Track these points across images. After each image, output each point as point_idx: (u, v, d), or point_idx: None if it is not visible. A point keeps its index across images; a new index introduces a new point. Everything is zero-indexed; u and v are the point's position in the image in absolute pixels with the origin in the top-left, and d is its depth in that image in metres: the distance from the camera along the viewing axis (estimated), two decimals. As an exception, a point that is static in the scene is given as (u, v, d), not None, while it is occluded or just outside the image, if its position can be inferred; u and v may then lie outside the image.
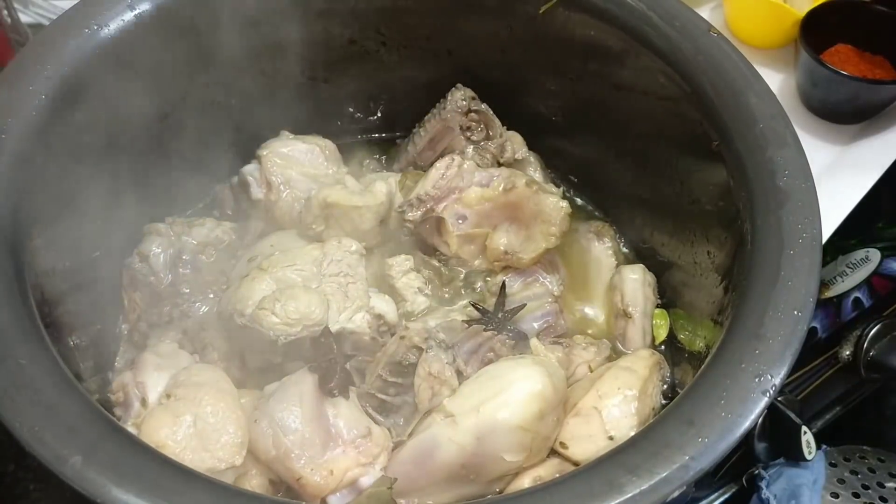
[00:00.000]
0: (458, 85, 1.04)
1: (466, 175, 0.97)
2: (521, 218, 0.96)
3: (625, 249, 1.08)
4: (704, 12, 1.16)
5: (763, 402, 0.63)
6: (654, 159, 0.97)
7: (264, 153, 0.98)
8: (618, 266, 1.03)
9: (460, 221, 0.97)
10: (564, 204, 0.95)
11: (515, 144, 1.06)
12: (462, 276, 0.99)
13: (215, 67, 0.96)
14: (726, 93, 0.83)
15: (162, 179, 0.98)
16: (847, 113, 1.17)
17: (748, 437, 0.65)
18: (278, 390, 0.78)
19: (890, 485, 0.95)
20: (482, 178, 0.97)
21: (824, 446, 0.96)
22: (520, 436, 0.75)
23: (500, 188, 0.96)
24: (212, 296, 0.92)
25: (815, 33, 1.15)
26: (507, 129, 1.07)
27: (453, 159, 0.98)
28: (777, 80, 1.22)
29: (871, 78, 1.13)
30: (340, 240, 0.90)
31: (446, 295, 0.98)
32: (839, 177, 1.11)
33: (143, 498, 0.55)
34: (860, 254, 1.07)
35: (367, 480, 0.75)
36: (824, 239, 0.74)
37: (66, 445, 0.57)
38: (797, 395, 1.03)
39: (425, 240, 0.98)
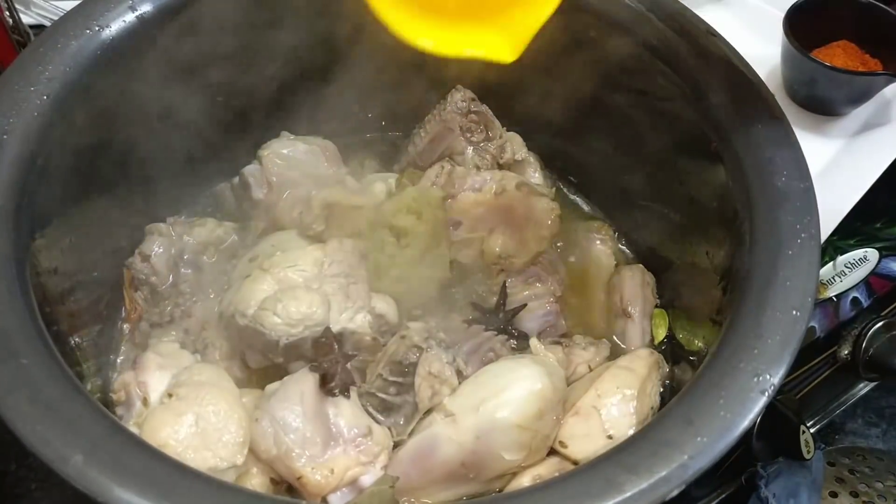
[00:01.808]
0: (458, 86, 1.04)
1: (458, 181, 0.97)
2: (515, 221, 0.96)
3: (624, 249, 1.08)
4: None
5: (762, 401, 0.63)
6: (653, 159, 0.97)
7: (265, 153, 0.98)
8: (617, 266, 1.03)
9: (455, 229, 0.97)
10: (555, 206, 0.94)
11: (515, 145, 1.06)
12: (461, 277, 1.00)
13: (216, 68, 0.96)
14: (725, 93, 0.84)
15: (163, 179, 0.99)
16: (825, 102, 1.19)
17: (747, 437, 0.65)
18: (279, 389, 0.78)
19: (889, 484, 0.95)
20: (474, 183, 0.97)
21: (823, 445, 0.96)
22: (519, 435, 0.76)
23: (492, 192, 0.96)
24: (213, 296, 0.92)
25: (812, 27, 1.17)
26: (507, 130, 1.07)
27: (443, 167, 0.98)
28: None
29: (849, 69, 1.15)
30: (342, 240, 0.90)
31: (447, 296, 0.98)
32: (838, 177, 1.11)
33: (145, 497, 0.56)
34: (859, 253, 1.07)
35: (367, 479, 0.76)
36: (823, 239, 0.74)
37: (68, 445, 0.57)
38: (796, 395, 1.03)
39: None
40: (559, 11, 0.74)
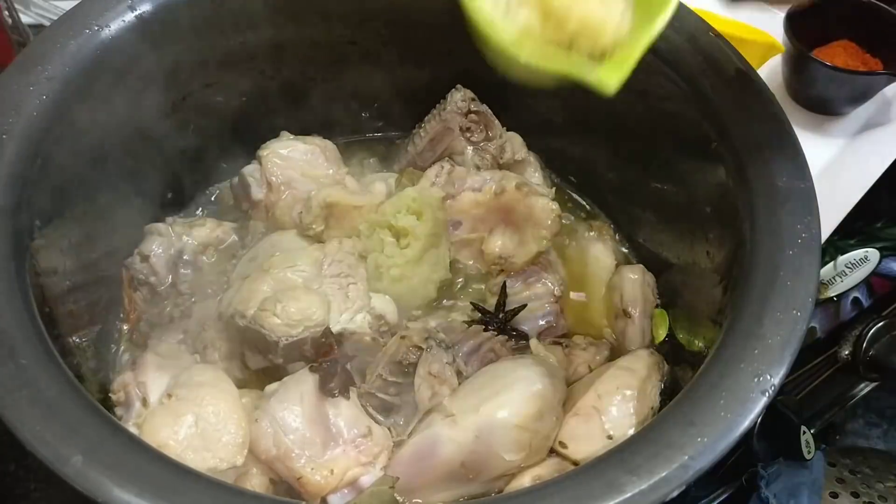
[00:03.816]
0: (458, 86, 1.04)
1: (458, 181, 0.97)
2: (514, 221, 0.96)
3: (624, 249, 1.08)
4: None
5: (762, 401, 0.63)
6: (653, 159, 0.97)
7: (265, 153, 0.98)
8: (617, 266, 1.03)
9: (455, 229, 0.97)
10: (555, 206, 0.94)
11: (515, 145, 1.06)
12: (461, 277, 1.00)
13: (216, 68, 0.96)
14: (726, 93, 0.83)
15: (162, 179, 0.99)
16: (826, 101, 1.20)
17: (747, 437, 0.65)
18: (279, 390, 0.78)
19: (889, 485, 0.95)
20: (474, 183, 0.97)
21: (823, 446, 0.96)
22: (519, 435, 0.75)
23: (492, 192, 0.96)
24: (212, 296, 0.92)
25: (813, 26, 1.17)
26: (507, 130, 1.07)
27: (443, 167, 0.99)
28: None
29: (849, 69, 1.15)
30: (341, 240, 0.90)
31: (447, 296, 0.98)
32: (839, 176, 1.11)
33: (144, 498, 0.56)
34: (859, 254, 1.07)
35: (367, 480, 0.76)
36: (823, 239, 0.74)
37: (67, 445, 0.57)
38: (796, 395, 1.03)
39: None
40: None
